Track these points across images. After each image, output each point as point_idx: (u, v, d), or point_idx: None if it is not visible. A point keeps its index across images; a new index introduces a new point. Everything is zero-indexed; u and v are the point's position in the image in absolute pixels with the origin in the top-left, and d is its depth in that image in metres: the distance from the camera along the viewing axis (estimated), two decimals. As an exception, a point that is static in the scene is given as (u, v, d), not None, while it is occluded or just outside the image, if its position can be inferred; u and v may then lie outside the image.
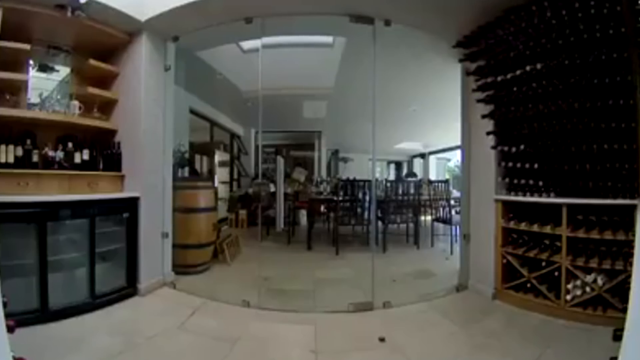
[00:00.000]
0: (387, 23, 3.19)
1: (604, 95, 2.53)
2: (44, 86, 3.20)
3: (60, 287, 2.69)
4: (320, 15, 3.23)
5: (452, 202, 5.34)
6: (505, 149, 3.12)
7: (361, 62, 3.51)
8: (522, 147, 3.00)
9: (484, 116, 3.22)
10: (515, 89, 2.97)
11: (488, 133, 3.20)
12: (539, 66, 2.79)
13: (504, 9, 2.84)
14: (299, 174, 7.25)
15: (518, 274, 3.01)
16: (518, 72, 2.93)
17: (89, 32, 3.11)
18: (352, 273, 4.04)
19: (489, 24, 3.01)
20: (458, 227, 4.02)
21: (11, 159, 2.78)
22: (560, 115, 2.75)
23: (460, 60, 3.42)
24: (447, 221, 5.27)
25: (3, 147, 2.75)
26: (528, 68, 2.86)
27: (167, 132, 3.64)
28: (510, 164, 3.10)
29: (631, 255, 1.54)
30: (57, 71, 3.33)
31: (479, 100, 3.27)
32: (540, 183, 2.93)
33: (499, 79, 3.09)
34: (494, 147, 3.20)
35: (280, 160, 3.92)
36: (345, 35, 4.02)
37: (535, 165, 2.93)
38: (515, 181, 3.08)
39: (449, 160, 10.22)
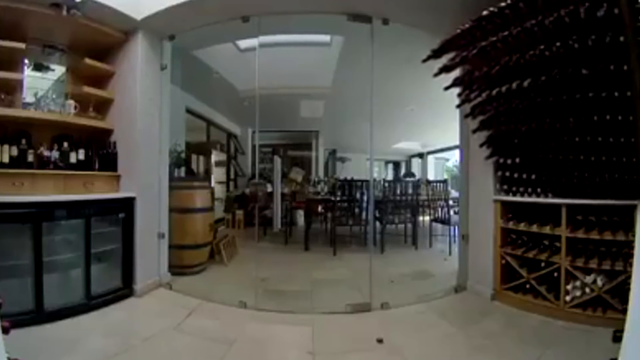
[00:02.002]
0: (385, 22, 3.17)
1: (601, 110, 2.35)
2: (39, 85, 3.17)
3: (56, 288, 2.67)
4: (318, 14, 3.21)
5: (450, 202, 5.34)
6: (501, 160, 3.08)
7: (359, 61, 3.50)
8: (517, 160, 2.94)
9: (474, 131, 3.14)
10: (502, 101, 2.79)
11: (481, 145, 3.14)
12: (526, 83, 2.56)
13: (478, 16, 2.56)
14: (296, 174, 7.23)
15: (517, 274, 2.99)
16: (504, 89, 2.73)
17: (84, 31, 3.08)
18: (350, 274, 4.02)
19: (465, 31, 2.77)
20: (456, 227, 4.01)
21: (6, 159, 2.76)
22: (555, 131, 2.59)
23: (435, 75, 3.07)
24: (445, 221, 5.27)
25: (-2, 146, 2.73)
26: (514, 85, 2.64)
27: (163, 132, 3.61)
28: (507, 174, 3.05)
29: (631, 255, 1.53)
30: (53, 70, 3.31)
31: (466, 115, 3.15)
32: (539, 190, 2.90)
33: (484, 95, 2.92)
34: (488, 157, 3.15)
35: (278, 160, 3.91)
36: (343, 34, 4.01)
37: (533, 176, 2.89)
38: (514, 188, 3.06)
39: (447, 160, 10.27)
